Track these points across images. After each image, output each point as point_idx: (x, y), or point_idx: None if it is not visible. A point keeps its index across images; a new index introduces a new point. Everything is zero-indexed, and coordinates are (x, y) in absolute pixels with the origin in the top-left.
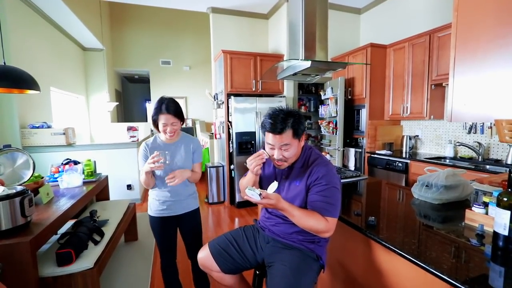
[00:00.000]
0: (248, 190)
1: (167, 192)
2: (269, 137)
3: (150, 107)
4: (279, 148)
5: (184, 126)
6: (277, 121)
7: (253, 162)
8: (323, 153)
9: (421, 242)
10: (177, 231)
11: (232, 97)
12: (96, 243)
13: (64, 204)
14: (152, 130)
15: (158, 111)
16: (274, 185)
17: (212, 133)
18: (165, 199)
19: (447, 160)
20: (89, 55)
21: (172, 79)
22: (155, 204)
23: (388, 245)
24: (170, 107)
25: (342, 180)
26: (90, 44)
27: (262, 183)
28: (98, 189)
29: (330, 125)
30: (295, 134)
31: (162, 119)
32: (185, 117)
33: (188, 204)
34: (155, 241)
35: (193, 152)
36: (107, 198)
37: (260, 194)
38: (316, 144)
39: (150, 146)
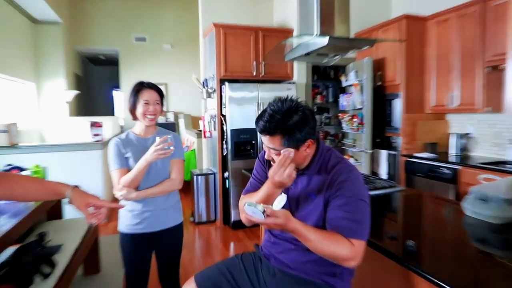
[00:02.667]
0: (248, 207)
1: (142, 202)
2: (261, 136)
3: (120, 97)
4: (268, 150)
5: (164, 121)
6: (271, 121)
7: (283, 170)
8: (345, 157)
9: (478, 275)
10: (152, 254)
11: (226, 83)
12: (45, 276)
13: (3, 224)
14: (122, 127)
15: (139, 87)
16: (281, 199)
17: (200, 131)
18: (140, 210)
19: (509, 166)
20: (42, 30)
21: (148, 61)
22: (128, 217)
23: (434, 279)
24: (153, 85)
25: (370, 192)
26: (43, 16)
27: None
28: (50, 204)
29: (354, 119)
30: (283, 143)
31: (145, 95)
32: (164, 109)
33: (168, 218)
34: (124, 271)
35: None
36: (61, 217)
37: (263, 212)
38: (336, 145)
39: (124, 141)
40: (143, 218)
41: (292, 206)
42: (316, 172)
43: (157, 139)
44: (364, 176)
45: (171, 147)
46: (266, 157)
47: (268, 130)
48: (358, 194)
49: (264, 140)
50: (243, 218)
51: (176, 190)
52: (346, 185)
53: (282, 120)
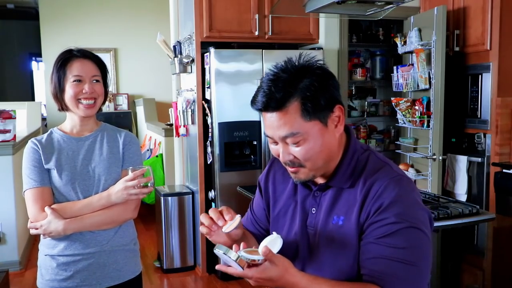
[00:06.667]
0: (218, 252)
1: (74, 242)
2: (265, 121)
3: (42, 70)
4: (282, 141)
5: (112, 109)
6: (276, 84)
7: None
8: (401, 166)
9: None
10: None
11: (211, 49)
12: None
13: None
14: (45, 120)
15: (65, 56)
16: (274, 242)
17: (171, 125)
18: (71, 254)
19: None
20: None
21: (87, 15)
22: (51, 267)
23: None
24: (89, 53)
25: (441, 223)
26: None
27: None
28: None
29: (417, 107)
30: (306, 111)
31: (75, 68)
32: (110, 88)
33: (118, 267)
34: None
35: (122, 152)
36: None
37: (237, 259)
38: (386, 147)
39: (45, 144)
40: (77, 269)
41: (312, 242)
42: (346, 180)
43: (130, 171)
44: (431, 197)
45: (150, 183)
46: (282, 159)
47: (276, 99)
48: (410, 218)
49: (272, 127)
50: None
51: (129, 220)
52: (392, 203)
53: (294, 79)
